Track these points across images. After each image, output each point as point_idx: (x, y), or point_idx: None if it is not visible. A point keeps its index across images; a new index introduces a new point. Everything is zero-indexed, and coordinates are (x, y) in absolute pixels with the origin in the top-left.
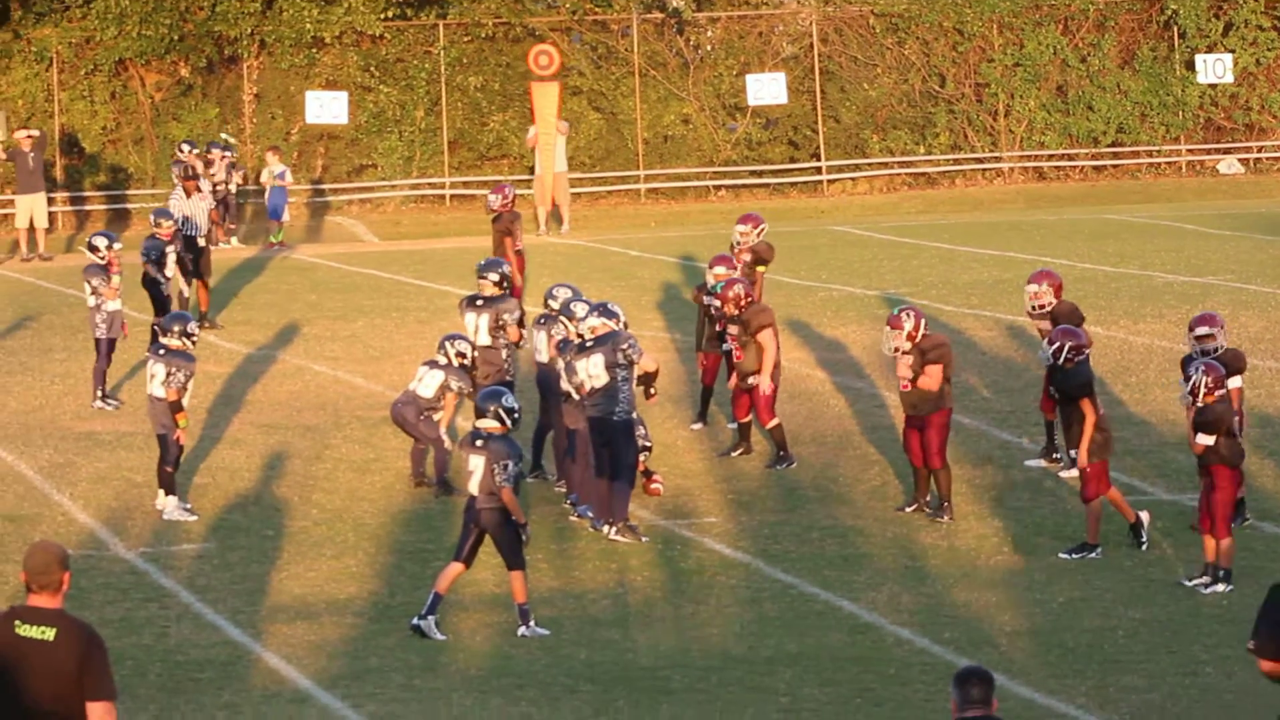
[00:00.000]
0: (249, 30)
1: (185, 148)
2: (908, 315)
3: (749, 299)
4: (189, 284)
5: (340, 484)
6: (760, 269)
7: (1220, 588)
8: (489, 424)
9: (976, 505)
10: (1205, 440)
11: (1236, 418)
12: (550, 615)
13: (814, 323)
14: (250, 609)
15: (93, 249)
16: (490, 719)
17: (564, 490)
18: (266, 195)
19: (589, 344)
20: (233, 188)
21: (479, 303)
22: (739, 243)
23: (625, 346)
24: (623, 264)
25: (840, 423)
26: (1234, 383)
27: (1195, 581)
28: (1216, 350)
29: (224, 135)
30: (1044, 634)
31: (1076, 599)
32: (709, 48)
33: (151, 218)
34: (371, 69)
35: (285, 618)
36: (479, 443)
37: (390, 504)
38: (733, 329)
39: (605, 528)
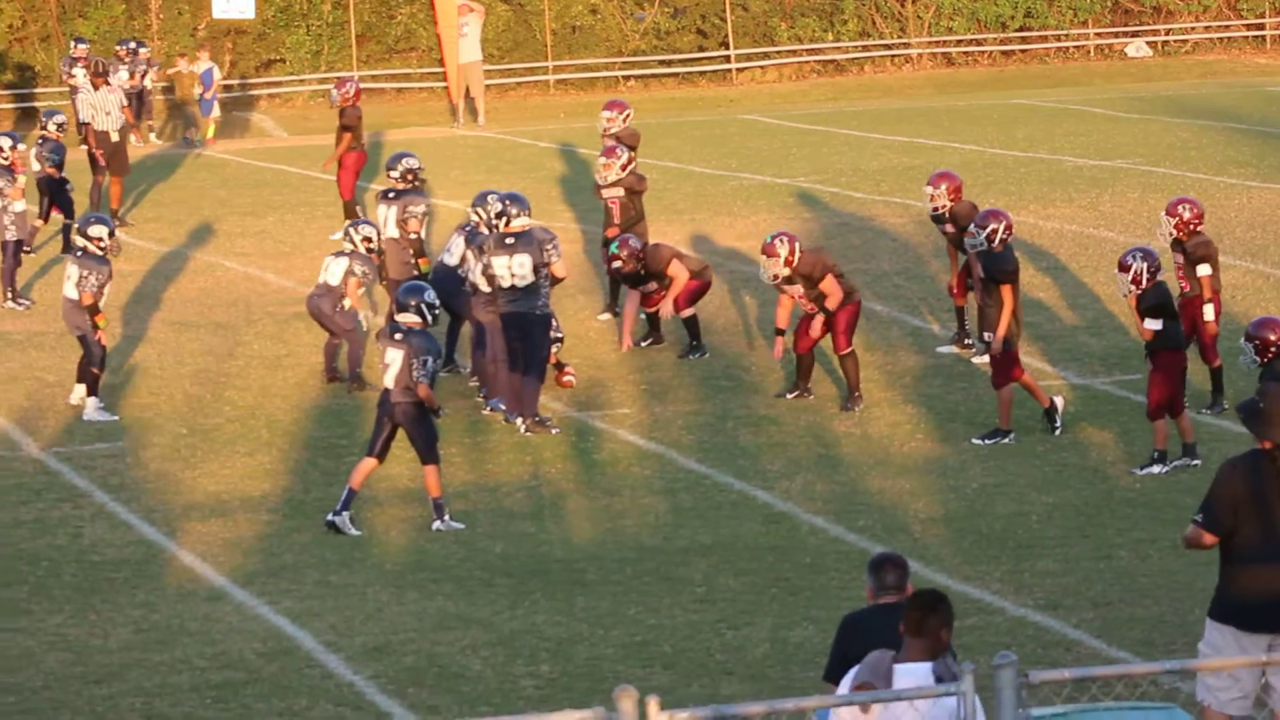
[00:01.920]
0: None
1: (82, 46)
2: (781, 241)
3: (642, 252)
4: (103, 177)
5: (253, 380)
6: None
7: (1155, 469)
8: (409, 318)
9: (889, 392)
10: (1153, 325)
11: (1210, 304)
12: (465, 509)
13: (725, 211)
14: (164, 507)
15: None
16: (406, 613)
17: (476, 384)
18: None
19: (510, 241)
20: (148, 84)
21: (390, 195)
22: (604, 129)
23: (550, 247)
24: (532, 155)
25: (752, 312)
26: (1203, 270)
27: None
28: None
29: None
30: (958, 520)
31: (990, 485)
32: None
33: (43, 119)
34: None
35: (199, 515)
36: (398, 336)
37: (303, 400)
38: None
39: (517, 421)
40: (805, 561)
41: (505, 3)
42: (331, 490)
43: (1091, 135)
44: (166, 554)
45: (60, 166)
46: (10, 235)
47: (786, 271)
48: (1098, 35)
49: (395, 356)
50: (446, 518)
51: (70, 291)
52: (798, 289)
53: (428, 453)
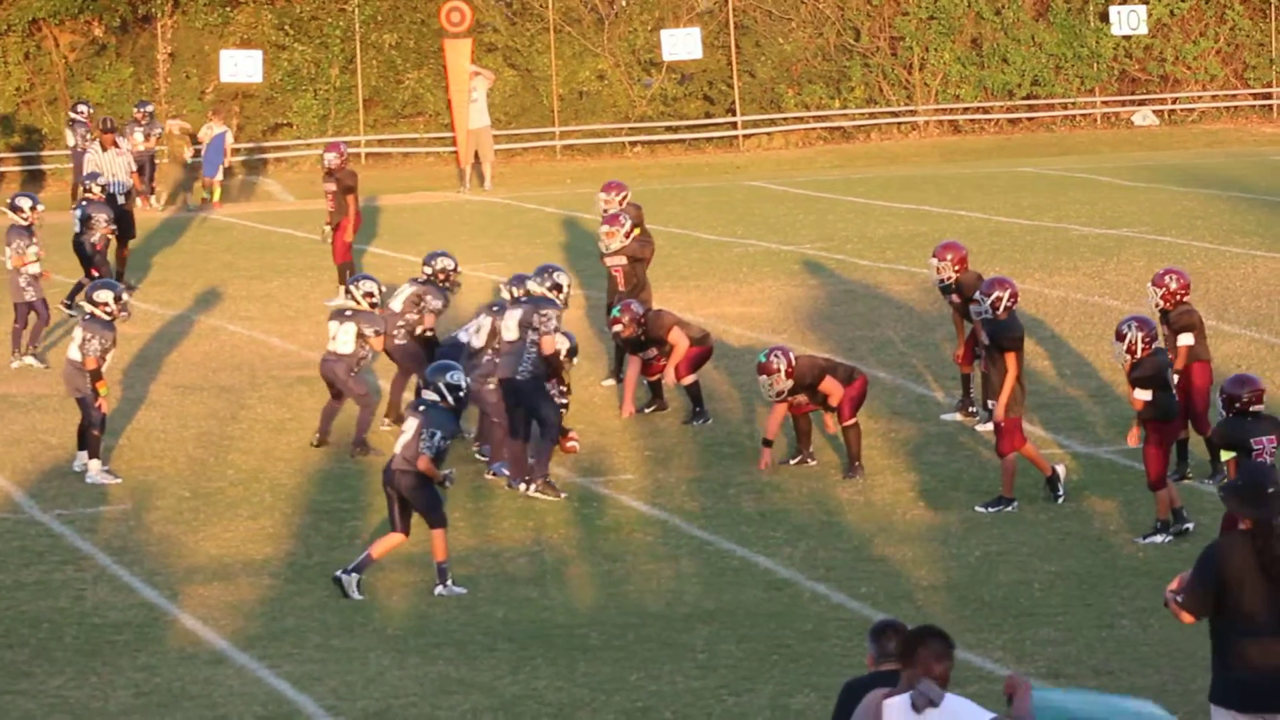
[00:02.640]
0: None
1: (83, 108)
2: (776, 356)
3: (643, 318)
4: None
5: (256, 444)
6: (635, 231)
7: (1158, 538)
8: (431, 395)
9: (892, 459)
10: (1143, 395)
11: (1175, 373)
12: (467, 574)
13: (731, 278)
14: (167, 570)
15: (15, 209)
16: (408, 678)
17: (476, 448)
18: (203, 154)
19: (518, 301)
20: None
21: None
22: (604, 210)
23: (544, 313)
24: (538, 221)
25: (753, 380)
26: (1183, 340)
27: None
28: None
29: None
30: (961, 588)
31: (993, 553)
32: (624, 3)
33: (85, 182)
34: (286, 27)
35: (202, 579)
36: (420, 408)
37: (306, 464)
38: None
39: (522, 485)
40: (807, 628)
41: (513, 68)
42: (334, 555)
43: (1097, 204)
44: (168, 617)
45: (109, 225)
46: (29, 297)
47: (790, 384)
48: (1105, 104)
49: (410, 425)
50: (449, 582)
51: (73, 354)
52: (801, 398)
53: (432, 517)
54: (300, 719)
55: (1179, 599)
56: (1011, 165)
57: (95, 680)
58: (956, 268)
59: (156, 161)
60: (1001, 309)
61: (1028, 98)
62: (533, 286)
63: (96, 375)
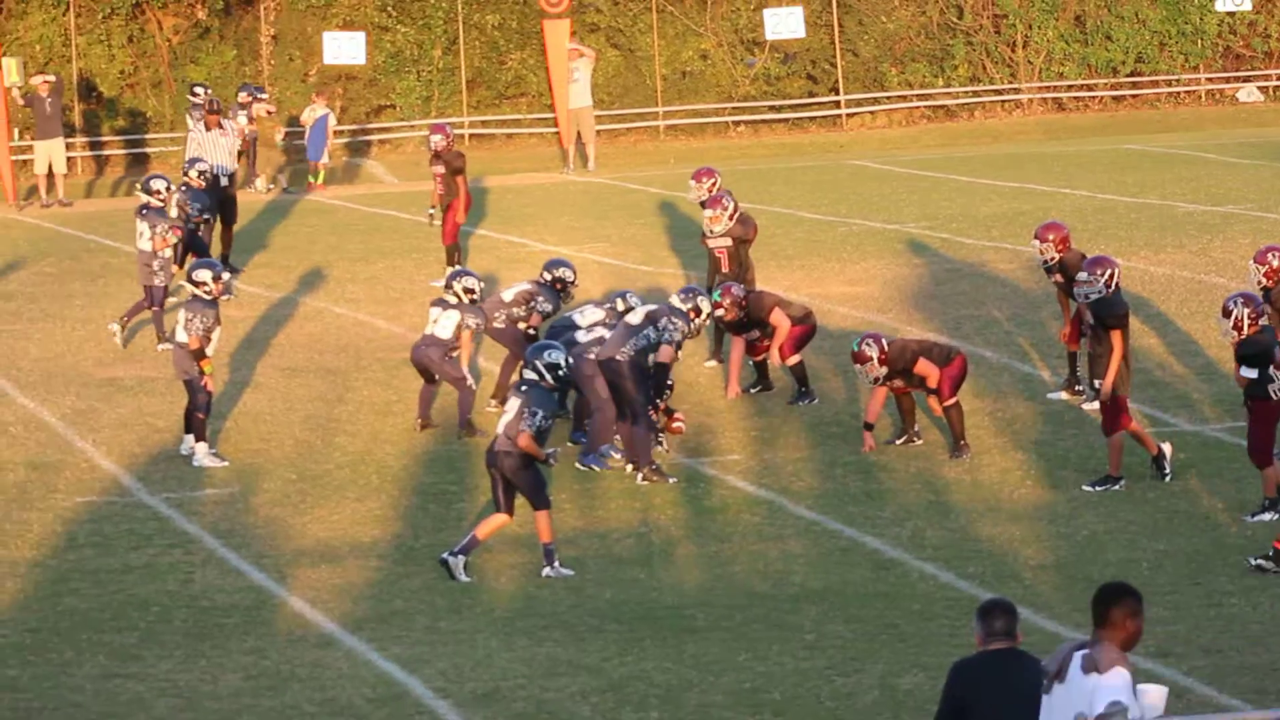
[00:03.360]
0: None
1: (200, 91)
2: (868, 344)
3: (744, 300)
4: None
5: (363, 427)
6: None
7: (1266, 516)
8: (531, 375)
9: (999, 439)
10: (1249, 373)
11: None
12: (575, 555)
13: (835, 257)
14: (274, 553)
15: (150, 191)
16: (516, 660)
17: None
18: (307, 137)
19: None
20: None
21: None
22: (695, 198)
23: (675, 322)
24: (642, 201)
25: None
26: None
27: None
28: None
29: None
30: (1068, 567)
31: (1100, 532)
32: None
33: (185, 166)
34: (388, 8)
35: (309, 561)
36: (523, 388)
37: (413, 446)
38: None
39: (628, 469)
40: (915, 608)
41: (616, 48)
42: (441, 536)
43: (1202, 180)
44: (276, 600)
45: (201, 214)
46: (159, 281)
47: (884, 370)
48: (1209, 80)
49: (512, 406)
50: (556, 564)
51: (180, 336)
52: (898, 382)
53: (536, 498)
54: (409, 701)
55: None
56: (1116, 143)
57: (204, 663)
58: (1059, 248)
59: (257, 146)
60: (1111, 287)
61: (1132, 74)
62: (675, 302)
63: (201, 355)
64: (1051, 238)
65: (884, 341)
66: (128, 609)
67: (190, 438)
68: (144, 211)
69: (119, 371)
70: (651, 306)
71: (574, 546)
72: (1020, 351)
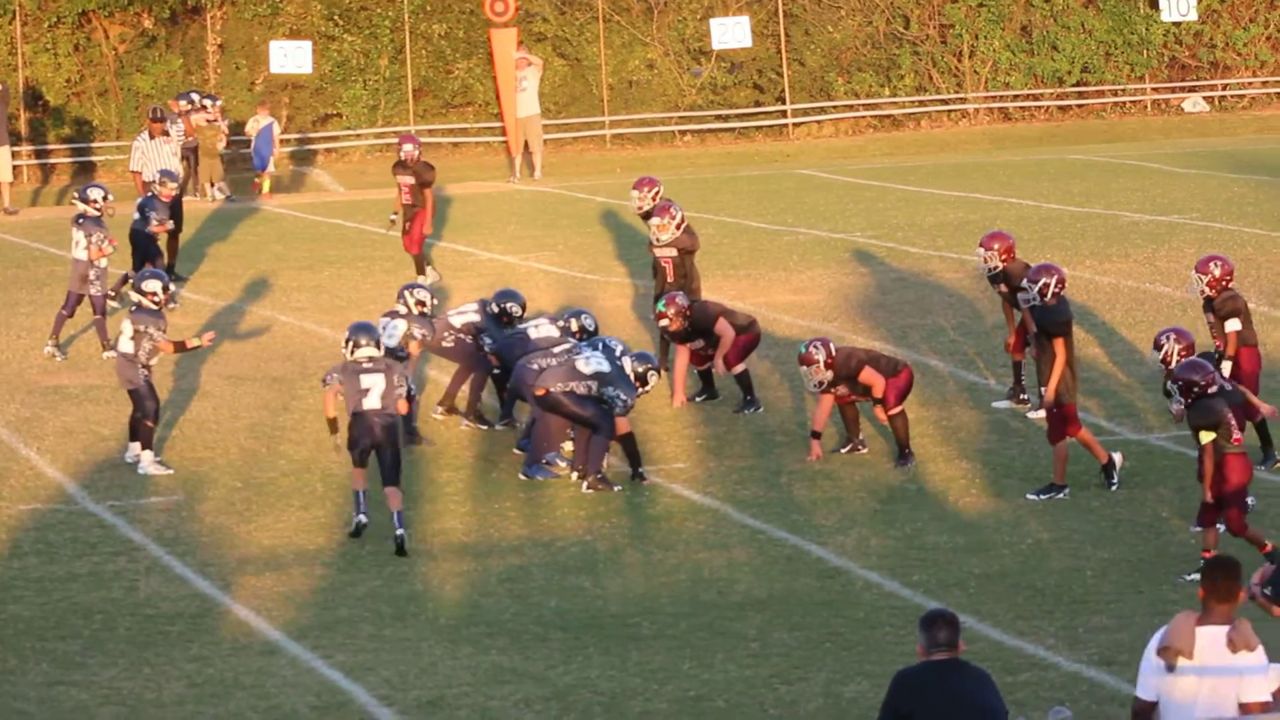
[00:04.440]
0: None
1: (194, 97)
2: (816, 347)
3: (689, 310)
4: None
5: (308, 435)
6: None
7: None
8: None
9: (944, 447)
10: (1179, 406)
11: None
12: (519, 563)
13: (781, 266)
14: (219, 561)
15: (86, 200)
16: (460, 667)
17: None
18: (252, 146)
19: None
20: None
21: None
22: (637, 208)
23: (623, 398)
24: (588, 210)
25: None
26: (1231, 326)
27: None
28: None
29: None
30: (1013, 576)
31: (1045, 540)
32: None
33: (158, 175)
34: (335, 18)
35: (254, 569)
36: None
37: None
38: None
39: (573, 476)
40: (859, 616)
41: (562, 58)
42: (385, 545)
43: (1148, 190)
44: (221, 608)
45: (162, 223)
46: (95, 290)
47: (830, 375)
48: (1154, 90)
49: (374, 380)
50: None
51: (124, 346)
52: (843, 390)
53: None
54: (353, 709)
55: (1266, 592)
56: (1062, 152)
57: (148, 671)
58: (1004, 257)
59: (198, 154)
60: (1049, 295)
61: (1078, 85)
62: (626, 365)
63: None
64: (996, 246)
65: (831, 347)
66: (71, 617)
67: (135, 445)
68: (80, 220)
69: (64, 379)
70: (604, 366)
71: (519, 555)
72: (966, 360)
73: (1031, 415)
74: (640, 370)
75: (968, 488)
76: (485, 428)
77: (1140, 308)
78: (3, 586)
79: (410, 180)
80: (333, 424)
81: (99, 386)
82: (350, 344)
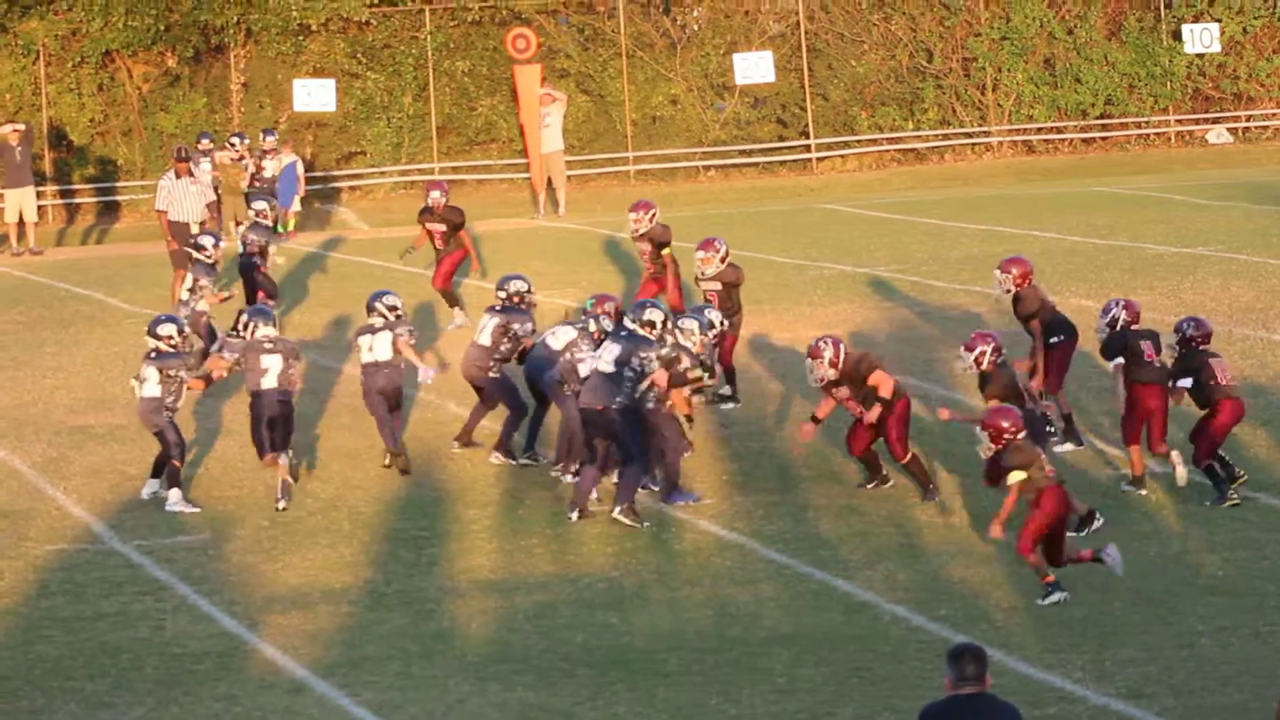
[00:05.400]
0: (235, 19)
1: (204, 140)
2: (826, 343)
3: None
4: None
5: (333, 473)
6: (665, 252)
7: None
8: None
9: (970, 481)
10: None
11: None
12: (546, 600)
13: (805, 301)
14: (246, 600)
15: (199, 248)
16: (488, 705)
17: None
18: (276, 184)
19: (617, 335)
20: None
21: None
22: (634, 230)
23: (643, 355)
24: (613, 246)
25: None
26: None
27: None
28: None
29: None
30: (1039, 609)
31: (1071, 573)
32: (696, 27)
33: (252, 203)
34: (358, 56)
35: (281, 608)
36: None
37: (384, 492)
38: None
39: (574, 514)
40: (887, 651)
41: (586, 94)
42: (412, 581)
43: (1173, 222)
44: (248, 646)
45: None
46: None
47: (833, 374)
48: (1178, 122)
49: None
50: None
51: (148, 391)
52: (844, 392)
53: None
54: None
55: None
56: (1086, 185)
57: (176, 710)
58: (1018, 281)
59: (219, 192)
60: (985, 364)
61: (1101, 117)
62: (629, 323)
63: (209, 381)
64: (1014, 271)
65: (842, 348)
66: (99, 656)
67: (154, 482)
68: (194, 266)
69: (90, 419)
70: (616, 349)
71: (545, 591)
72: None
73: (1058, 450)
74: (645, 319)
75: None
76: (513, 463)
77: (1166, 340)
78: (31, 626)
79: (441, 227)
80: (207, 380)
81: (125, 426)
82: (250, 326)
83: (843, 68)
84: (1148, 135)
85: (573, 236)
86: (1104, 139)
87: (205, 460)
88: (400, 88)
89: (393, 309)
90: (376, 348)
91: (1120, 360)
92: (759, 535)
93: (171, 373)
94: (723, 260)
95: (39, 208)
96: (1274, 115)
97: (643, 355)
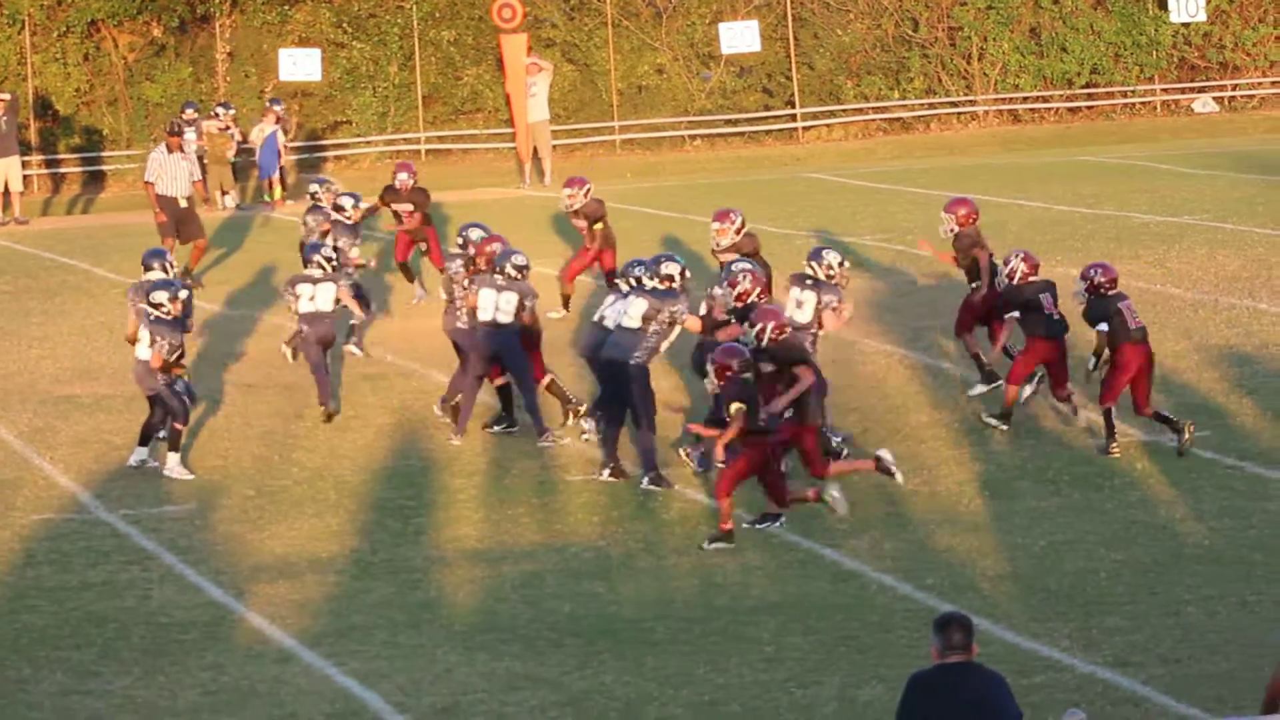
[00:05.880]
0: None
1: (188, 109)
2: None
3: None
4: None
5: (320, 442)
6: (597, 226)
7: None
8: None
9: (956, 450)
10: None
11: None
12: (533, 569)
13: (791, 270)
14: (232, 569)
15: (339, 209)
16: (475, 674)
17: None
18: (257, 155)
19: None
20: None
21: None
22: (569, 205)
23: (674, 309)
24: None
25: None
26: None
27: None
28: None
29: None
30: (1026, 578)
31: (1058, 542)
32: None
33: (314, 184)
34: (344, 25)
35: (268, 577)
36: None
37: (370, 461)
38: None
39: (605, 472)
40: (874, 620)
41: (571, 63)
42: (399, 551)
43: (1159, 191)
44: (235, 615)
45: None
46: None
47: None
48: (1164, 91)
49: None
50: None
51: (141, 353)
52: (734, 331)
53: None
54: (368, 716)
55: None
56: (1071, 154)
57: (163, 679)
58: (961, 222)
59: (205, 162)
60: (765, 340)
61: (1087, 86)
62: (645, 280)
63: (168, 366)
64: (959, 211)
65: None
66: (85, 626)
67: (143, 450)
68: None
69: (76, 389)
70: (642, 304)
71: (532, 560)
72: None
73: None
74: (664, 273)
75: (979, 490)
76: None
77: (1151, 309)
78: (17, 596)
79: (408, 207)
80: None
81: (111, 396)
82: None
83: (828, 37)
84: (1134, 104)
85: (558, 206)
86: (1090, 108)
87: (191, 429)
88: (386, 57)
89: (329, 259)
90: (319, 298)
91: (1015, 314)
92: (745, 504)
93: (160, 339)
94: (738, 231)
95: (24, 177)
96: (1259, 84)
97: (672, 308)
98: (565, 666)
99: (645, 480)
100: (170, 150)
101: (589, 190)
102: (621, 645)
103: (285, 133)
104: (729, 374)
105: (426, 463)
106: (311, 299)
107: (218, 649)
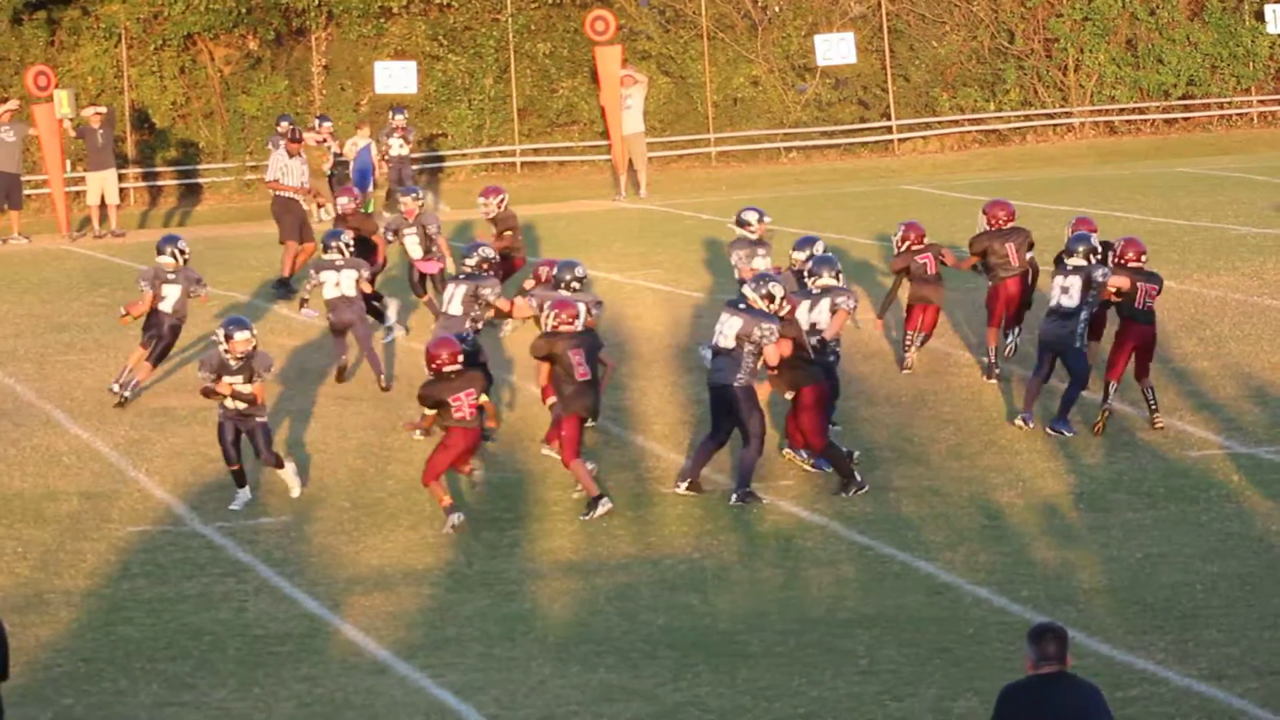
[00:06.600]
0: (316, 1)
1: (284, 123)
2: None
3: None
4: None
5: (415, 454)
6: (508, 234)
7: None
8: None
9: (1051, 462)
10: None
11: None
12: (627, 581)
13: (888, 282)
14: (328, 581)
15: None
16: (570, 686)
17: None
18: (351, 168)
19: (735, 308)
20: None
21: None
22: (483, 213)
23: (765, 327)
24: (694, 227)
25: (914, 382)
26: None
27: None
28: None
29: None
30: (1122, 590)
31: (1154, 555)
32: (777, 8)
33: (402, 193)
34: (440, 38)
35: (363, 589)
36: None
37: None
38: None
39: (682, 485)
40: (969, 632)
41: (667, 75)
42: (494, 563)
43: (1255, 203)
44: (330, 628)
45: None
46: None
47: (494, 212)
48: (1261, 103)
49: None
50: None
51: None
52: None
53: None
54: None
55: None
56: (1168, 166)
57: (258, 691)
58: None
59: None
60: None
61: (1183, 98)
62: (748, 292)
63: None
64: (1001, 214)
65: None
66: (181, 638)
67: (243, 491)
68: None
69: (172, 401)
70: (737, 322)
71: (627, 572)
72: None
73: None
74: (766, 291)
75: (1075, 503)
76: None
77: (1248, 320)
78: (113, 608)
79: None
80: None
81: (207, 408)
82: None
83: (924, 49)
84: (1230, 116)
85: (654, 218)
86: (1186, 120)
87: (288, 443)
88: (481, 70)
89: (347, 246)
90: (344, 283)
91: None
92: (841, 516)
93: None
94: (499, 205)
95: (121, 190)
96: None
97: (765, 328)
98: (659, 679)
99: (734, 497)
100: (291, 156)
101: (504, 201)
102: (716, 658)
103: (406, 144)
104: (434, 365)
105: (521, 475)
106: (337, 285)
107: (313, 661)
